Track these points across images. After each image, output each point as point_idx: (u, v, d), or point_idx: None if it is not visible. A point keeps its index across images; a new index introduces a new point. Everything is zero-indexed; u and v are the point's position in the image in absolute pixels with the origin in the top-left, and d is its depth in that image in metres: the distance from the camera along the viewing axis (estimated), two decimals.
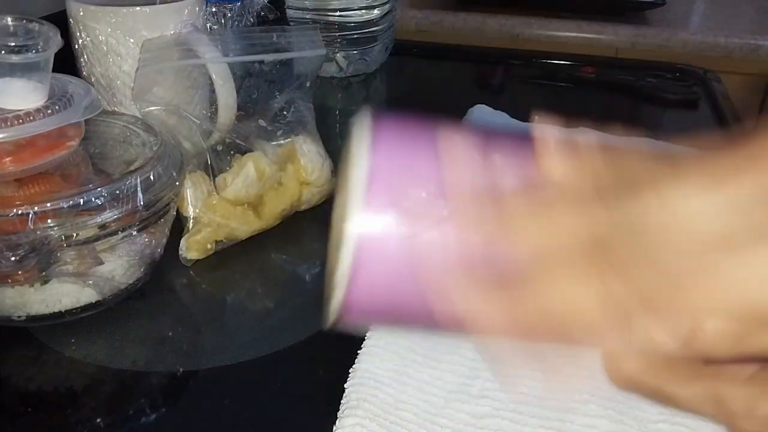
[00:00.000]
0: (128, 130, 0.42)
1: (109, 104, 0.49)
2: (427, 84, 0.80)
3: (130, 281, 0.39)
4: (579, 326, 0.16)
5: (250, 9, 0.62)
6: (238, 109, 0.45)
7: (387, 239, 0.18)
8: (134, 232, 0.36)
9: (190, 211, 0.42)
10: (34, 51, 0.35)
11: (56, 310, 0.37)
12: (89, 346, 0.37)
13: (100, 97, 0.47)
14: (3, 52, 0.34)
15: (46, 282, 0.36)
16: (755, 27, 1.14)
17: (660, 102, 0.71)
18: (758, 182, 0.15)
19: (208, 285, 0.42)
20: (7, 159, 0.35)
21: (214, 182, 0.43)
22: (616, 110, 0.71)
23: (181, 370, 0.35)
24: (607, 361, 0.17)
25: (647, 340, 0.16)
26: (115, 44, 0.46)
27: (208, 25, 0.58)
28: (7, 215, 0.32)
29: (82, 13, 0.46)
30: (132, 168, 0.37)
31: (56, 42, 0.36)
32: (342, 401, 0.31)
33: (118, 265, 0.38)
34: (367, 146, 0.18)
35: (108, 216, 0.35)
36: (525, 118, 0.69)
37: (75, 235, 0.34)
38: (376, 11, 0.74)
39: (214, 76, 0.44)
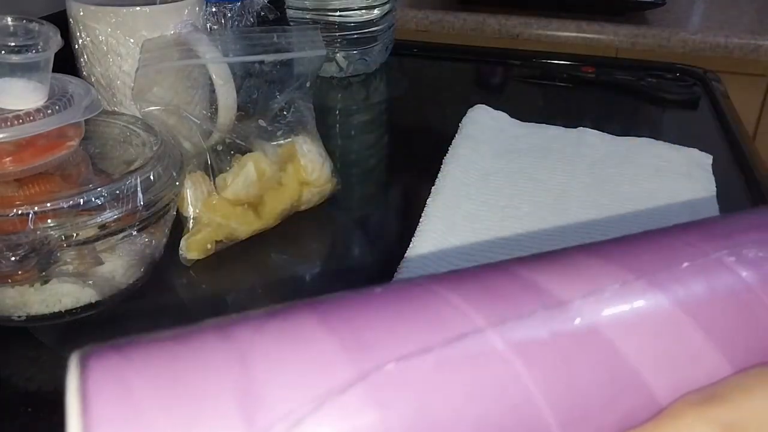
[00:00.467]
0: (128, 130, 0.42)
1: (109, 104, 0.49)
2: (427, 84, 0.80)
3: (130, 281, 0.39)
4: None
5: (250, 9, 0.62)
6: (238, 109, 0.45)
7: None
8: (134, 232, 0.36)
9: (190, 211, 0.42)
10: (34, 51, 0.35)
11: (56, 310, 0.37)
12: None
13: (100, 97, 0.47)
14: (3, 52, 0.34)
15: (46, 282, 0.36)
16: (755, 27, 1.14)
17: (660, 102, 0.71)
18: None
19: (208, 285, 0.42)
20: (7, 159, 0.35)
21: (214, 182, 0.43)
22: (616, 110, 0.71)
23: None
24: None
25: None
26: (115, 44, 0.46)
27: (208, 25, 0.58)
28: (7, 215, 0.32)
29: (82, 13, 0.46)
30: (132, 168, 0.37)
31: (56, 42, 0.36)
32: None
33: (118, 265, 0.38)
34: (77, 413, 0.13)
35: (108, 216, 0.35)
36: (525, 118, 0.69)
37: (75, 235, 0.34)
38: (376, 11, 0.74)
39: (214, 77, 0.44)
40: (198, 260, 0.43)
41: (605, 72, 0.75)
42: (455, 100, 0.71)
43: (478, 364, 0.15)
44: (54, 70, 0.37)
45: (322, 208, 0.49)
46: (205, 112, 0.48)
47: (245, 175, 0.43)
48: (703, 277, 0.17)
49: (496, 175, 0.52)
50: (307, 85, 0.49)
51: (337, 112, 0.70)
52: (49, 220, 0.33)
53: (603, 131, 0.59)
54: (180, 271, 0.42)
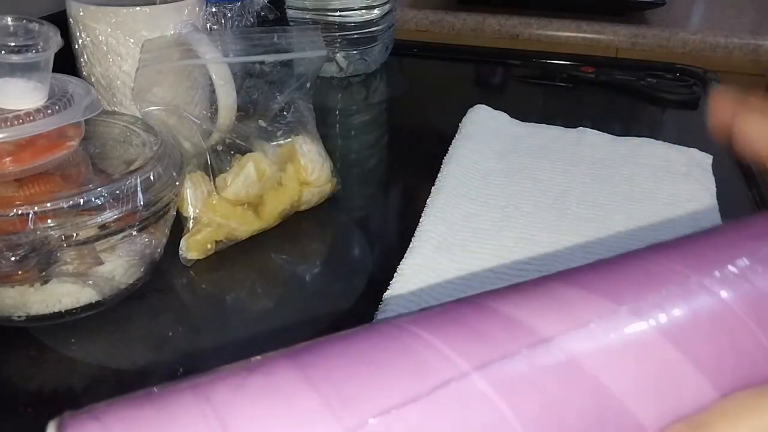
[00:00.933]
0: (128, 130, 0.42)
1: (109, 104, 0.49)
2: (427, 84, 0.80)
3: (130, 281, 0.39)
4: None
5: (250, 9, 0.62)
6: (238, 109, 0.45)
7: None
8: (134, 232, 0.36)
9: (190, 211, 0.42)
10: (34, 51, 0.35)
11: (56, 310, 0.37)
12: (89, 346, 0.37)
13: (100, 97, 0.47)
14: (3, 52, 0.34)
15: (46, 282, 0.36)
16: (755, 27, 1.14)
17: (660, 102, 0.71)
18: None
19: (208, 285, 0.42)
20: (7, 159, 0.35)
21: (214, 182, 0.43)
22: (615, 110, 0.71)
23: (181, 370, 0.35)
24: None
25: None
26: (115, 44, 0.46)
27: (208, 25, 0.58)
28: (7, 215, 0.32)
29: (82, 13, 0.46)
30: (132, 168, 0.37)
31: (56, 42, 0.36)
32: None
33: (118, 265, 0.38)
34: None
35: (108, 216, 0.35)
36: (525, 118, 0.69)
37: (75, 235, 0.34)
38: (376, 11, 0.74)
39: (214, 77, 0.44)
40: (198, 260, 0.43)
41: (605, 72, 0.75)
42: (455, 100, 0.71)
43: (464, 409, 0.15)
44: (54, 70, 0.37)
45: (322, 208, 0.49)
46: (205, 112, 0.48)
47: (245, 175, 0.43)
48: (685, 302, 0.17)
49: (496, 175, 0.52)
50: (308, 85, 0.49)
51: (337, 112, 0.70)
52: (49, 220, 0.33)
53: (603, 131, 0.59)
54: (180, 271, 0.42)
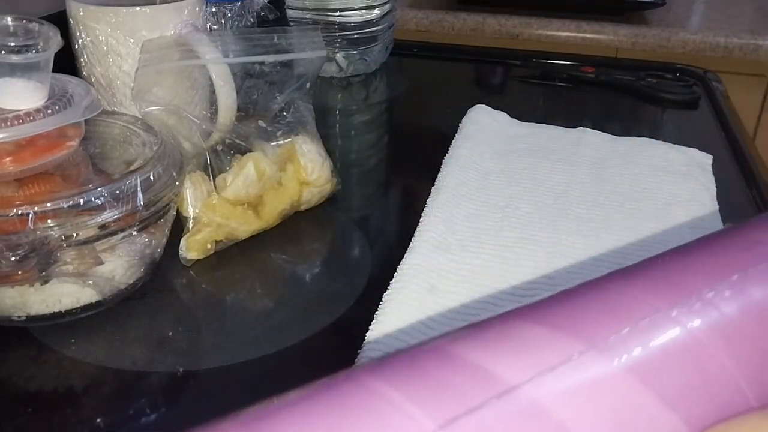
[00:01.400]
0: (128, 130, 0.42)
1: (109, 104, 0.49)
2: (427, 84, 0.80)
3: (130, 281, 0.39)
4: None
5: (250, 9, 0.62)
6: (238, 109, 0.45)
7: None
8: (134, 232, 0.36)
9: (190, 211, 0.42)
10: (34, 51, 0.35)
11: (56, 310, 0.37)
12: (89, 346, 0.37)
13: (100, 97, 0.47)
14: (3, 52, 0.34)
15: (46, 282, 0.36)
16: (755, 27, 1.14)
17: (660, 102, 0.71)
18: None
19: (208, 285, 0.42)
20: (7, 159, 0.35)
21: (214, 182, 0.43)
22: (615, 110, 0.71)
23: (181, 370, 0.35)
24: None
25: None
26: (115, 44, 0.46)
27: (208, 25, 0.58)
28: (7, 215, 0.32)
29: (82, 13, 0.46)
30: (132, 168, 0.37)
31: (56, 42, 0.36)
32: None
33: (118, 265, 0.38)
34: None
35: (108, 216, 0.35)
36: (525, 118, 0.69)
37: (75, 235, 0.34)
38: (376, 11, 0.74)
39: (214, 77, 0.44)
40: (198, 260, 0.43)
41: (605, 72, 0.75)
42: (455, 100, 0.71)
43: None
44: (54, 70, 0.37)
45: (322, 208, 0.49)
46: (205, 113, 0.48)
47: (245, 175, 0.43)
48: (653, 337, 0.16)
49: (496, 175, 0.52)
50: (308, 86, 0.49)
51: (337, 112, 0.70)
52: (49, 220, 0.33)
53: (603, 131, 0.59)
54: (180, 271, 0.42)
